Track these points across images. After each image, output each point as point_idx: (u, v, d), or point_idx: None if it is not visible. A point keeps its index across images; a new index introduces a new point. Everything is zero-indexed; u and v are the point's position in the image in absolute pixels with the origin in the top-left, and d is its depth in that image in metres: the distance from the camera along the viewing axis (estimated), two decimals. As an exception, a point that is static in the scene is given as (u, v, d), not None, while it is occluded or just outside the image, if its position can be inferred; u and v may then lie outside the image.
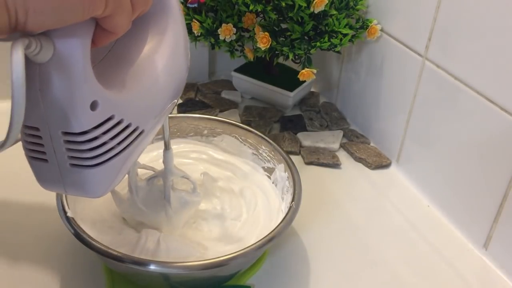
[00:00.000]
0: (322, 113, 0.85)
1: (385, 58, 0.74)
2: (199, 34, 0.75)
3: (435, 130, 0.67)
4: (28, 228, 0.60)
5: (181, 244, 0.53)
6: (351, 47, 0.80)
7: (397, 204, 0.69)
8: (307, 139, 0.78)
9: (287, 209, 0.55)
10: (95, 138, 0.37)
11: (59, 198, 0.52)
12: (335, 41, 0.71)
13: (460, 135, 0.63)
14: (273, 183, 0.63)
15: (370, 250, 0.62)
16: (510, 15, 0.54)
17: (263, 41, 0.70)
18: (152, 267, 0.47)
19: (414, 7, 0.67)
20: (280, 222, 0.53)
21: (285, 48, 0.72)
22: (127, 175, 0.53)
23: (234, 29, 0.74)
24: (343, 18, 0.71)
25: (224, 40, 0.75)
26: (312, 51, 0.71)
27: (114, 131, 0.38)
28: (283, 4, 0.68)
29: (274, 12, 0.71)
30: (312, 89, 0.90)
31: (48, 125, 0.35)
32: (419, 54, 0.67)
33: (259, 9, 0.70)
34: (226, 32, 0.74)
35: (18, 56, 0.29)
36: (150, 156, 0.65)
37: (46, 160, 0.38)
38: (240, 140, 0.66)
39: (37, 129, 0.36)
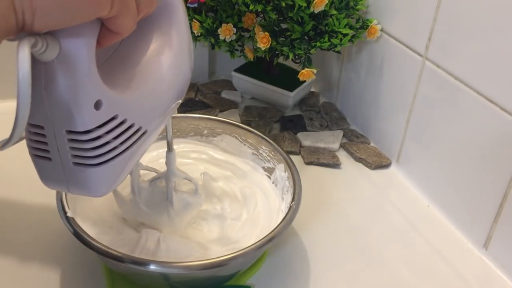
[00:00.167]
0: (322, 113, 0.85)
1: (385, 58, 0.74)
2: (199, 34, 0.75)
3: (435, 130, 0.67)
4: (28, 228, 0.60)
5: (181, 244, 0.53)
6: (351, 47, 0.80)
7: (397, 204, 0.69)
8: (307, 139, 0.78)
9: (287, 209, 0.55)
10: (99, 137, 0.37)
11: (59, 198, 0.52)
12: (335, 41, 0.71)
13: (460, 135, 0.63)
14: (273, 183, 0.63)
15: (370, 250, 0.62)
16: (510, 15, 0.54)
17: (263, 41, 0.70)
18: (152, 267, 0.47)
19: (414, 7, 0.67)
20: (280, 222, 0.53)
21: (285, 48, 0.72)
22: (129, 176, 0.54)
23: (234, 29, 0.74)
24: (343, 18, 0.71)
25: (224, 40, 0.75)
26: (312, 51, 0.71)
27: (117, 131, 0.39)
28: (283, 4, 0.68)
29: (274, 12, 0.71)
30: (312, 89, 0.90)
31: (52, 123, 0.36)
32: (419, 54, 0.67)
33: (259, 9, 0.70)
34: (226, 32, 0.74)
35: (24, 55, 0.30)
36: (150, 156, 0.65)
37: (49, 159, 0.38)
38: (240, 140, 0.66)
39: (41, 127, 0.36)
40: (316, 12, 0.68)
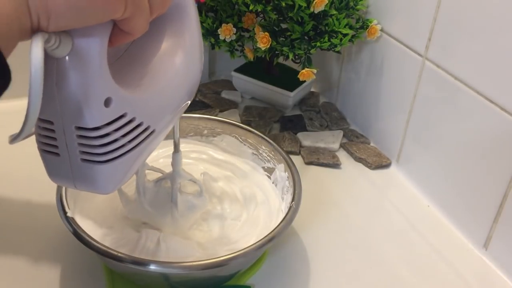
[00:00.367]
0: (322, 113, 0.85)
1: (385, 58, 0.74)
2: (199, 34, 0.75)
3: (435, 130, 0.67)
4: (28, 228, 0.60)
5: (181, 244, 0.53)
6: (351, 47, 0.80)
7: (397, 204, 0.69)
8: (307, 139, 0.78)
9: (287, 209, 0.55)
10: (107, 135, 0.37)
11: (59, 198, 0.52)
12: (335, 41, 0.71)
13: (460, 135, 0.63)
14: (273, 183, 0.63)
15: (370, 250, 0.62)
16: (510, 15, 0.54)
17: (263, 41, 0.70)
18: (152, 267, 0.47)
19: (414, 7, 0.67)
20: (280, 222, 0.53)
21: (285, 48, 0.72)
22: (135, 176, 0.54)
23: (234, 29, 0.74)
24: (343, 18, 0.71)
25: (224, 40, 0.75)
26: (312, 51, 0.71)
27: (125, 129, 0.39)
28: (283, 4, 0.68)
29: (274, 12, 0.71)
30: (312, 89, 0.90)
31: (62, 119, 0.36)
32: (419, 54, 0.67)
33: (259, 9, 0.70)
34: (226, 32, 0.74)
35: (37, 50, 0.30)
36: (151, 155, 0.65)
37: (57, 154, 0.38)
38: (240, 140, 0.66)
39: (51, 122, 0.37)
40: (316, 12, 0.68)
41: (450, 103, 0.63)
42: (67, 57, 0.33)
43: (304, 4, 0.68)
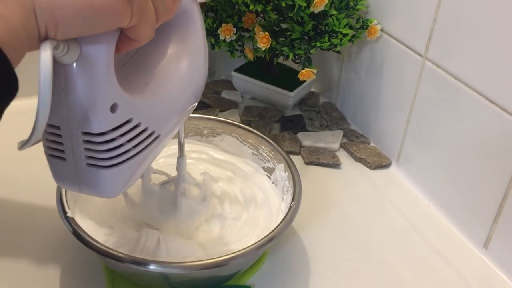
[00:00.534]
0: (322, 113, 0.85)
1: (385, 58, 0.74)
2: (199, 34, 0.75)
3: (435, 130, 0.67)
4: (28, 228, 0.60)
5: (181, 244, 0.53)
6: (351, 47, 0.80)
7: (397, 204, 0.69)
8: (307, 139, 0.78)
9: (287, 209, 0.55)
10: (113, 140, 0.38)
11: (59, 198, 0.52)
12: (335, 41, 0.71)
13: (460, 135, 0.63)
14: (273, 183, 0.63)
15: (370, 250, 0.62)
16: (510, 15, 0.54)
17: (263, 41, 0.70)
18: (152, 267, 0.47)
19: (414, 7, 0.67)
20: (280, 222, 0.53)
21: (285, 48, 0.72)
22: (140, 179, 0.54)
23: (234, 29, 0.74)
24: (343, 18, 0.71)
25: (224, 40, 0.75)
26: (312, 51, 0.71)
27: (131, 134, 0.39)
28: (283, 4, 0.68)
29: (274, 12, 0.71)
30: (312, 89, 0.90)
31: (69, 124, 0.37)
32: (419, 54, 0.67)
33: (259, 9, 0.70)
34: (226, 32, 0.74)
35: (46, 57, 0.31)
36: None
37: (64, 159, 0.39)
38: (240, 140, 0.66)
39: (58, 127, 0.37)
40: (316, 12, 0.68)
41: (450, 103, 0.63)
42: (74, 64, 0.34)
43: (304, 4, 0.68)
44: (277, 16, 0.72)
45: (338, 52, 0.75)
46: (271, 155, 0.64)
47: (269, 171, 0.64)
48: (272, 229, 0.52)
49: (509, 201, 0.57)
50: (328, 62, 0.88)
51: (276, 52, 0.74)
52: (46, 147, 0.39)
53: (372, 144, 0.80)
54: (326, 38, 0.71)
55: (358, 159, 0.76)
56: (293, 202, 0.55)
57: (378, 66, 0.75)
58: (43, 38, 0.31)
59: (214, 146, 0.68)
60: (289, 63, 0.82)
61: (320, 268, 0.59)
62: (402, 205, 0.69)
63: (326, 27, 0.71)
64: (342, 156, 0.76)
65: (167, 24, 0.40)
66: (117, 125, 0.38)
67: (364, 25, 0.73)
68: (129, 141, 0.40)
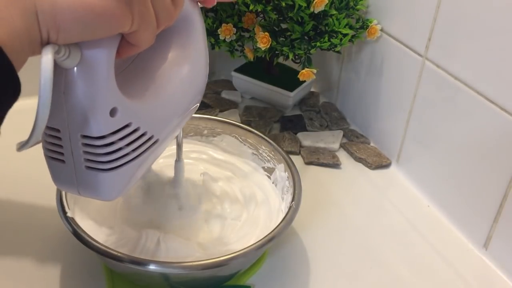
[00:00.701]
0: (322, 113, 0.85)
1: (385, 58, 0.74)
2: (199, 34, 0.75)
3: (435, 130, 0.67)
4: (28, 228, 0.60)
5: (181, 244, 0.53)
6: (351, 47, 0.80)
7: (397, 204, 0.69)
8: (307, 139, 0.78)
9: (287, 209, 0.55)
10: (112, 143, 0.38)
11: (59, 198, 0.52)
12: (335, 41, 0.71)
13: (460, 135, 0.63)
14: (273, 183, 0.63)
15: (370, 250, 0.62)
16: (510, 15, 0.54)
17: (263, 41, 0.70)
18: (152, 267, 0.47)
19: (414, 7, 0.67)
20: (280, 222, 0.53)
21: (285, 48, 0.72)
22: (140, 181, 0.55)
23: (234, 29, 0.74)
24: (343, 18, 0.71)
25: (224, 40, 0.75)
26: (312, 51, 0.71)
27: (130, 138, 0.40)
28: (283, 4, 0.68)
29: (274, 12, 0.71)
30: (312, 89, 0.90)
31: (69, 127, 0.37)
32: (419, 54, 0.67)
33: (259, 9, 0.70)
34: (226, 32, 0.74)
35: (47, 61, 0.31)
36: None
37: (63, 161, 0.39)
38: (240, 140, 0.66)
39: (58, 130, 0.38)
40: (316, 12, 0.68)
41: (450, 103, 0.63)
42: (75, 68, 0.34)
43: (304, 4, 0.68)
44: (277, 16, 0.72)
45: (338, 52, 0.75)
46: (271, 155, 0.64)
47: (269, 171, 0.64)
48: (272, 229, 0.52)
49: (509, 201, 0.57)
50: (328, 62, 0.88)
51: (276, 52, 0.74)
52: (46, 149, 0.40)
53: (372, 144, 0.80)
54: (326, 38, 0.71)
55: (358, 159, 0.76)
56: (293, 202, 0.55)
57: (378, 66, 0.75)
58: (45, 43, 0.31)
59: (214, 146, 0.68)
60: (289, 63, 0.82)
61: (320, 268, 0.59)
62: (402, 205, 0.69)
63: (326, 27, 0.71)
64: (342, 156, 0.76)
65: (168, 29, 0.40)
66: (116, 129, 0.38)
67: (364, 25, 0.73)
68: (128, 145, 0.40)
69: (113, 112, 0.37)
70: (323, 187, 0.71)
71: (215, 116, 0.74)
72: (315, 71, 0.71)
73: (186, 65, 0.46)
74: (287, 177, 0.60)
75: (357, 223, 0.66)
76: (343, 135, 0.80)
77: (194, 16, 0.45)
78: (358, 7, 0.73)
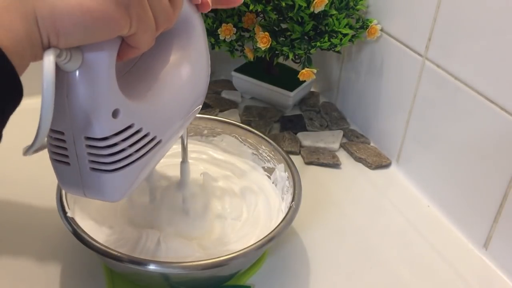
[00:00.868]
0: (322, 113, 0.85)
1: (385, 58, 0.74)
2: (199, 34, 0.75)
3: (435, 130, 0.67)
4: (28, 228, 0.60)
5: (181, 244, 0.53)
6: (351, 47, 0.80)
7: (397, 204, 0.69)
8: (307, 139, 0.78)
9: (287, 209, 0.55)
10: (115, 144, 0.39)
11: (59, 198, 0.52)
12: (335, 41, 0.71)
13: (460, 135, 0.63)
14: (273, 183, 0.63)
15: (370, 250, 0.62)
16: (510, 15, 0.54)
17: (263, 41, 0.70)
18: (152, 267, 0.47)
19: (414, 7, 0.67)
20: (280, 222, 0.53)
21: (285, 48, 0.72)
22: (144, 182, 0.55)
23: (234, 29, 0.74)
24: (343, 18, 0.71)
25: (224, 40, 0.75)
26: (312, 51, 0.71)
27: (133, 139, 0.40)
28: (283, 4, 0.68)
29: (274, 12, 0.71)
30: (312, 89, 0.90)
31: (72, 130, 0.38)
32: (419, 54, 0.67)
33: (259, 9, 0.70)
34: (226, 32, 0.74)
35: (49, 64, 0.32)
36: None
37: (68, 164, 0.40)
38: (240, 140, 0.66)
39: (62, 133, 0.38)
40: (316, 12, 0.68)
41: (450, 103, 0.63)
42: (77, 71, 0.35)
43: (304, 4, 0.68)
44: (277, 16, 0.72)
45: (338, 52, 0.75)
46: (271, 155, 0.64)
47: (269, 171, 0.64)
48: (272, 229, 0.52)
49: (509, 201, 0.57)
50: (328, 62, 0.88)
51: (276, 52, 0.74)
52: (51, 152, 0.40)
53: (372, 144, 0.80)
54: (326, 38, 0.71)
55: (358, 159, 0.76)
56: (293, 202, 0.55)
57: (378, 66, 0.75)
58: (46, 47, 0.32)
59: (214, 146, 0.68)
60: (289, 63, 0.82)
61: (320, 268, 0.59)
62: (402, 205, 0.69)
63: (326, 27, 0.71)
64: (342, 156, 0.76)
65: (169, 31, 0.41)
66: (119, 130, 0.39)
67: (364, 25, 0.73)
68: (131, 146, 0.40)
69: (115, 114, 0.38)
70: (323, 187, 0.71)
71: (215, 116, 0.74)
72: (315, 71, 0.71)
73: (187, 67, 0.46)
74: (287, 177, 0.60)
75: (357, 223, 0.66)
76: (343, 135, 0.80)
77: (194, 19, 0.45)
78: (358, 7, 0.73)
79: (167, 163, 0.62)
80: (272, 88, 0.84)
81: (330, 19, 0.71)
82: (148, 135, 0.42)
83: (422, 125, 0.69)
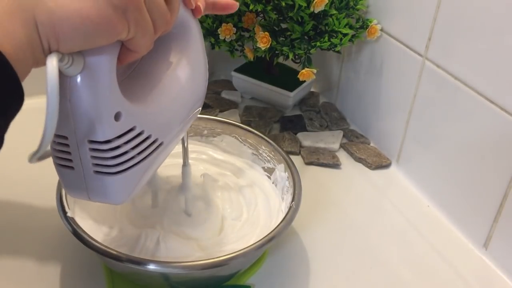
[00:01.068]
0: (322, 113, 0.85)
1: (385, 58, 0.74)
2: (199, 34, 0.75)
3: (435, 130, 0.67)
4: (28, 228, 0.60)
5: (181, 244, 0.53)
6: (351, 47, 0.80)
7: (397, 204, 0.69)
8: (307, 139, 0.78)
9: (287, 209, 0.55)
10: (118, 147, 0.39)
11: (59, 198, 0.52)
12: (335, 41, 0.71)
13: (460, 135, 0.63)
14: (273, 183, 0.63)
15: (370, 250, 0.62)
16: (510, 15, 0.54)
17: (263, 41, 0.70)
18: (152, 267, 0.47)
19: (414, 7, 0.67)
20: (280, 222, 0.53)
21: (285, 48, 0.72)
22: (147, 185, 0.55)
23: (234, 29, 0.74)
24: (343, 18, 0.71)
25: (224, 40, 0.75)
26: (312, 51, 0.71)
27: (135, 141, 0.41)
28: (283, 4, 0.68)
29: (274, 12, 0.71)
30: (312, 89, 0.90)
31: (76, 134, 0.38)
32: (419, 54, 0.67)
33: (259, 9, 0.70)
34: (226, 32, 0.74)
35: (53, 69, 0.32)
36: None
37: (72, 168, 0.40)
38: (240, 140, 0.66)
39: (65, 137, 0.39)
40: (316, 12, 0.68)
41: (450, 103, 0.63)
42: (79, 75, 0.35)
43: (304, 4, 0.68)
44: (277, 16, 0.72)
45: (338, 52, 0.75)
46: (271, 155, 0.64)
47: (269, 171, 0.64)
48: (272, 229, 0.52)
49: (509, 201, 0.57)
50: (328, 62, 0.88)
51: (276, 52, 0.74)
52: (55, 157, 0.41)
53: (372, 144, 0.80)
54: (326, 38, 0.71)
55: (358, 159, 0.76)
56: (293, 202, 0.55)
57: (378, 66, 0.75)
58: (47, 52, 0.33)
59: (214, 146, 0.68)
60: (289, 63, 0.82)
61: (320, 268, 0.59)
62: (402, 205, 0.69)
63: (326, 27, 0.71)
64: (342, 156, 0.76)
65: (167, 35, 0.41)
66: (121, 133, 0.39)
67: (364, 25, 0.73)
68: (133, 148, 0.41)
69: (117, 117, 0.38)
70: (323, 187, 0.71)
71: (215, 116, 0.74)
72: (315, 71, 0.71)
73: (186, 69, 0.47)
74: (287, 177, 0.60)
75: (357, 223, 0.66)
76: (343, 135, 0.80)
77: (191, 22, 0.46)
78: (358, 7, 0.73)
79: (167, 163, 0.62)
80: (272, 88, 0.84)
81: (330, 19, 0.71)
82: (150, 137, 0.42)
83: (422, 125, 0.69)
